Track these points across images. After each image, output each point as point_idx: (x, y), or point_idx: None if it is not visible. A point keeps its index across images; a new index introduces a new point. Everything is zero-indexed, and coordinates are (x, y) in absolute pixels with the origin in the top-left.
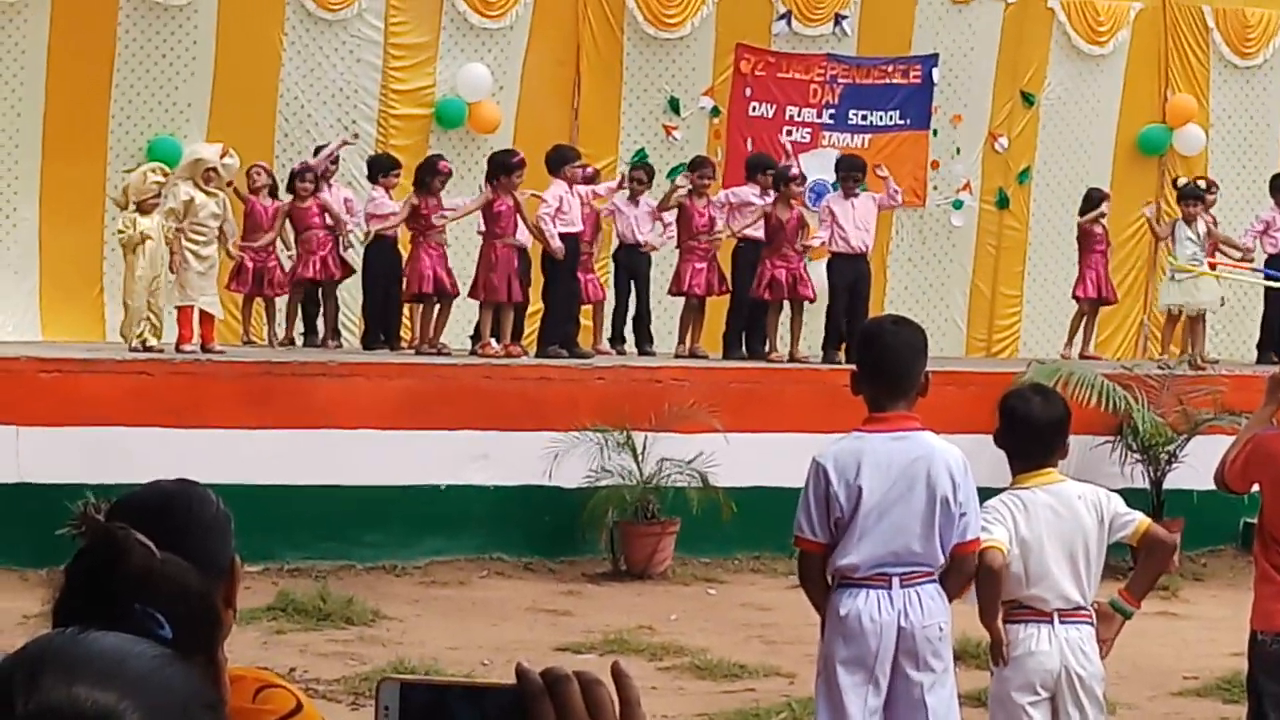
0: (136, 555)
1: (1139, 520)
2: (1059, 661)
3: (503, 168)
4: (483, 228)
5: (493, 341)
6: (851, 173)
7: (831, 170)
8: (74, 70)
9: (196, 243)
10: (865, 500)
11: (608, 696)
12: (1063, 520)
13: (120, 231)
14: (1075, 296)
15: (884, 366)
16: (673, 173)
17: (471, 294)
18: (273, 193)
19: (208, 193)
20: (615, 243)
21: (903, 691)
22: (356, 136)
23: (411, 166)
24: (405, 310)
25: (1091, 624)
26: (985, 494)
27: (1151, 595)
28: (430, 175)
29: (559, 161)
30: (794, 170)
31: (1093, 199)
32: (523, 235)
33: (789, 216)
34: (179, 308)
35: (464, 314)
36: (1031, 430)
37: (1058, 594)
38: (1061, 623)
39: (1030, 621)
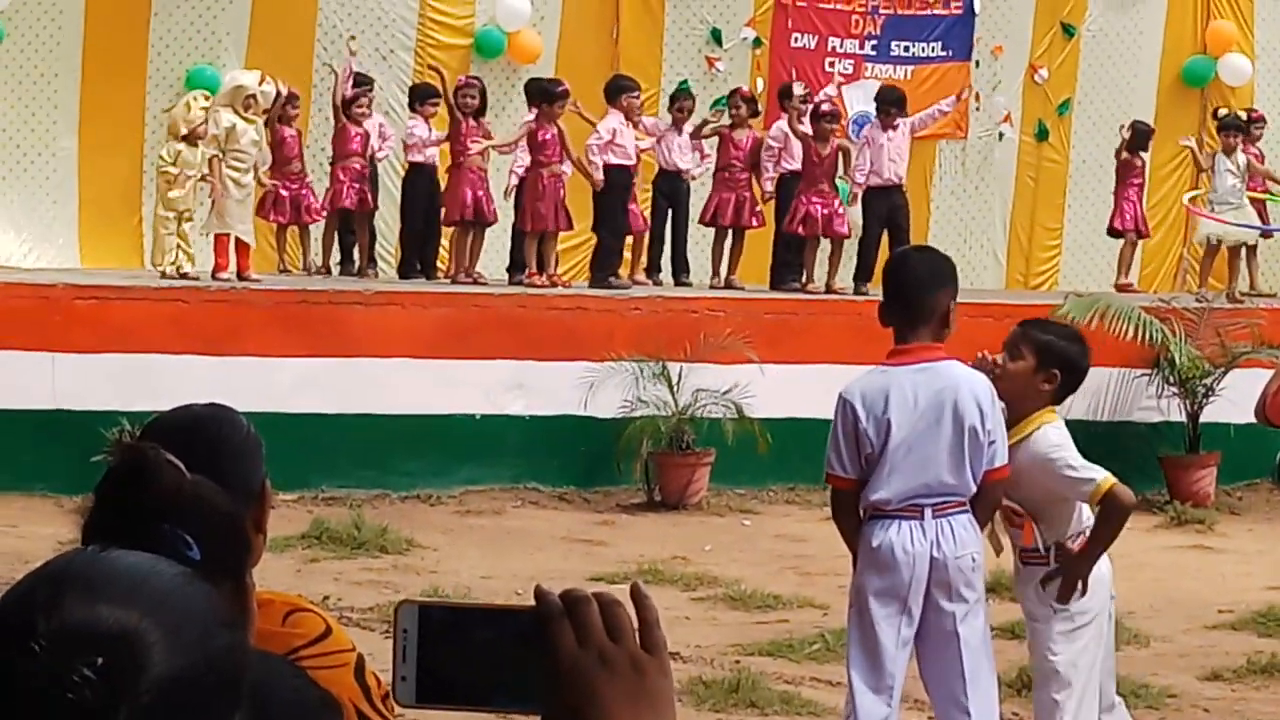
0: (166, 475)
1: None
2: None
3: (545, 96)
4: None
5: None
6: (890, 105)
7: (873, 102)
8: (113, 1)
9: (237, 169)
10: (894, 434)
11: (627, 618)
12: None
13: (162, 159)
14: (1111, 229)
15: (904, 296)
16: (716, 104)
17: (519, 223)
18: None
19: (247, 120)
20: (655, 170)
21: (935, 622)
22: (354, 38)
23: None
24: (443, 239)
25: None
26: None
27: (1187, 529)
28: (461, 97)
29: (616, 91)
30: (826, 106)
31: (1140, 133)
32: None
33: (827, 151)
34: (216, 236)
35: (501, 242)
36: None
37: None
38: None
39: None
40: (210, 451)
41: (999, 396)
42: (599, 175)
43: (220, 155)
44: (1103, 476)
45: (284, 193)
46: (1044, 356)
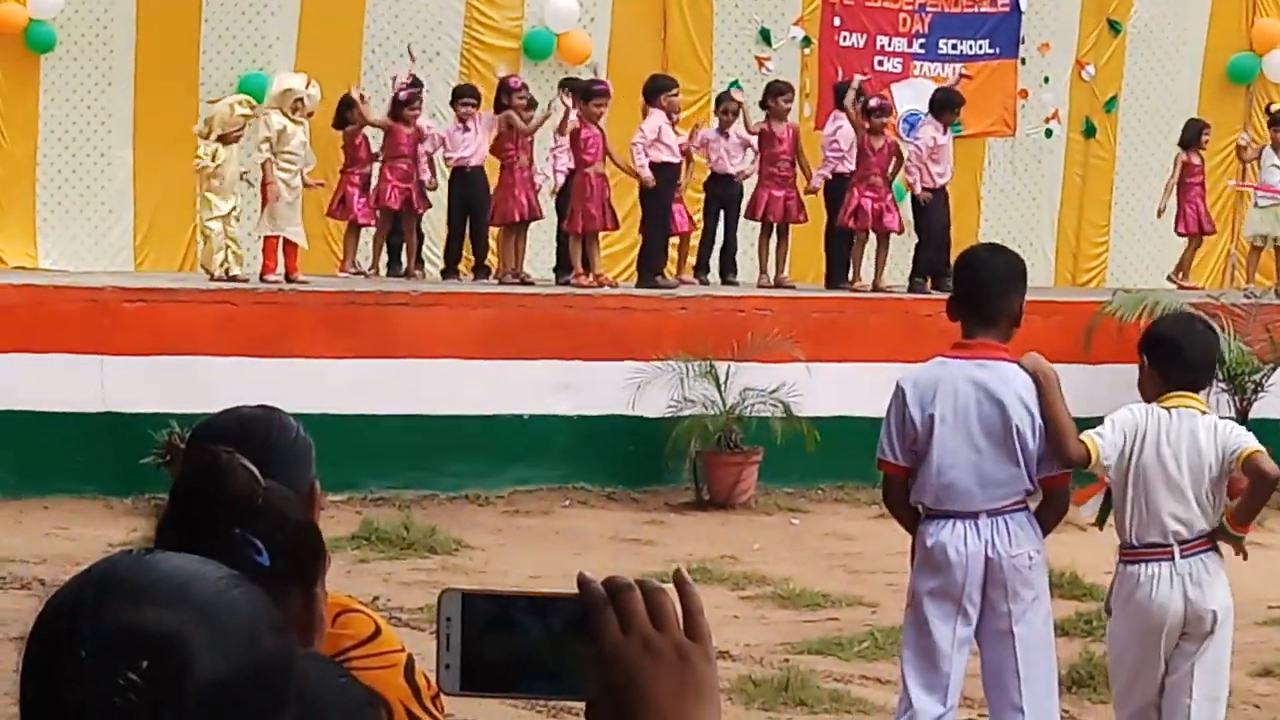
0: (240, 480)
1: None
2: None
3: (584, 94)
4: (571, 162)
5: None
6: (952, 108)
7: (924, 101)
8: (163, 7)
9: (288, 172)
10: (938, 425)
11: (670, 605)
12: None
13: (198, 158)
14: (1178, 232)
15: (975, 293)
16: (732, 84)
17: (567, 225)
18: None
19: (295, 122)
20: (707, 173)
21: (990, 621)
22: (413, 45)
23: None
24: (490, 239)
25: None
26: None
27: None
28: (505, 95)
29: (655, 90)
30: (876, 101)
31: (1193, 130)
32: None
33: (881, 144)
34: (266, 237)
35: (549, 242)
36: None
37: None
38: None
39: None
40: (260, 454)
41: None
42: (646, 173)
43: (272, 157)
44: (1089, 442)
45: (353, 190)
46: (1142, 350)
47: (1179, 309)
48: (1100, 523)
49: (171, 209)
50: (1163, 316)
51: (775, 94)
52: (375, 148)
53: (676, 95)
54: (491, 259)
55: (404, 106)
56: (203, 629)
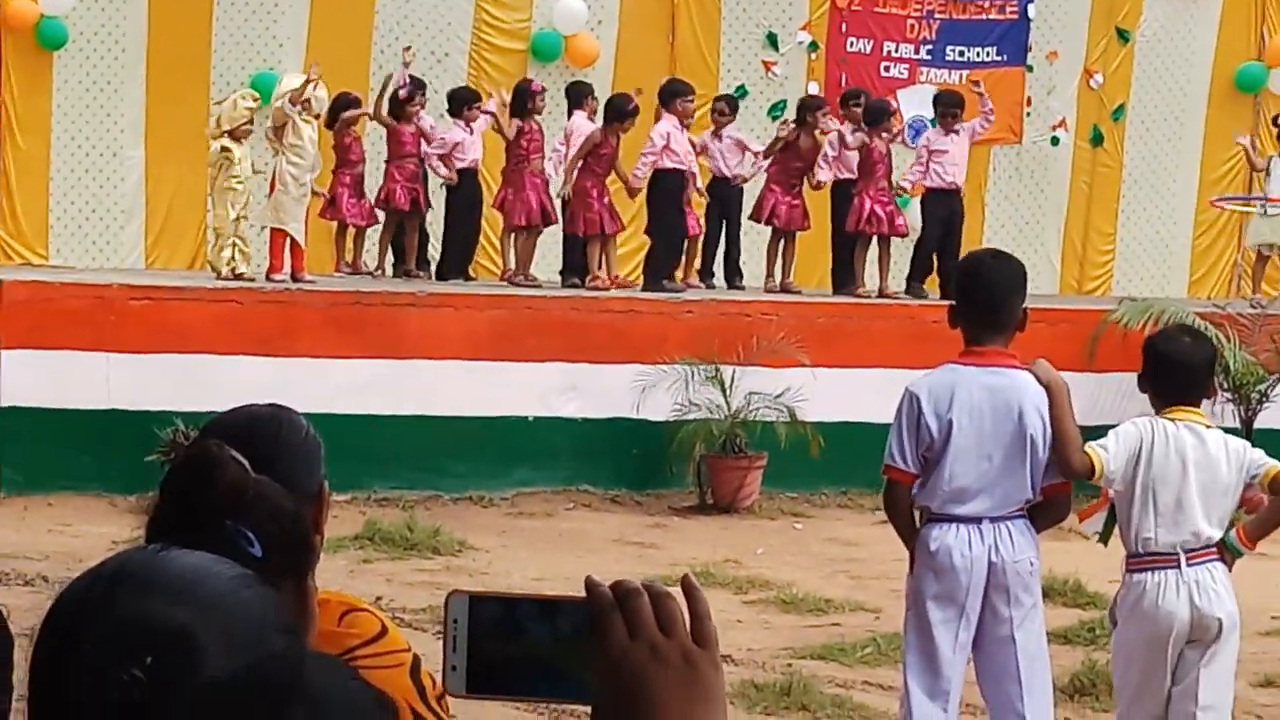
0: (231, 471)
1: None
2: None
3: (617, 113)
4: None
5: (601, 274)
6: (950, 108)
7: (929, 107)
8: (175, 8)
9: (296, 166)
10: (955, 432)
11: (678, 610)
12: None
13: (226, 157)
14: None
15: (982, 300)
16: (773, 109)
17: (573, 229)
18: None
19: (305, 120)
20: (708, 177)
21: (991, 627)
22: (409, 48)
23: None
24: (485, 242)
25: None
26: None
27: None
28: (527, 99)
29: (670, 95)
30: (892, 105)
31: None
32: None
33: (884, 149)
34: (273, 235)
35: (549, 245)
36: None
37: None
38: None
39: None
40: (270, 452)
41: None
42: (638, 184)
43: (282, 151)
44: (1093, 454)
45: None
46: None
47: (1178, 321)
48: (1104, 539)
49: (184, 208)
50: (1156, 332)
51: (814, 109)
52: (366, 147)
53: (691, 101)
54: (485, 261)
55: (405, 105)
56: (211, 627)
